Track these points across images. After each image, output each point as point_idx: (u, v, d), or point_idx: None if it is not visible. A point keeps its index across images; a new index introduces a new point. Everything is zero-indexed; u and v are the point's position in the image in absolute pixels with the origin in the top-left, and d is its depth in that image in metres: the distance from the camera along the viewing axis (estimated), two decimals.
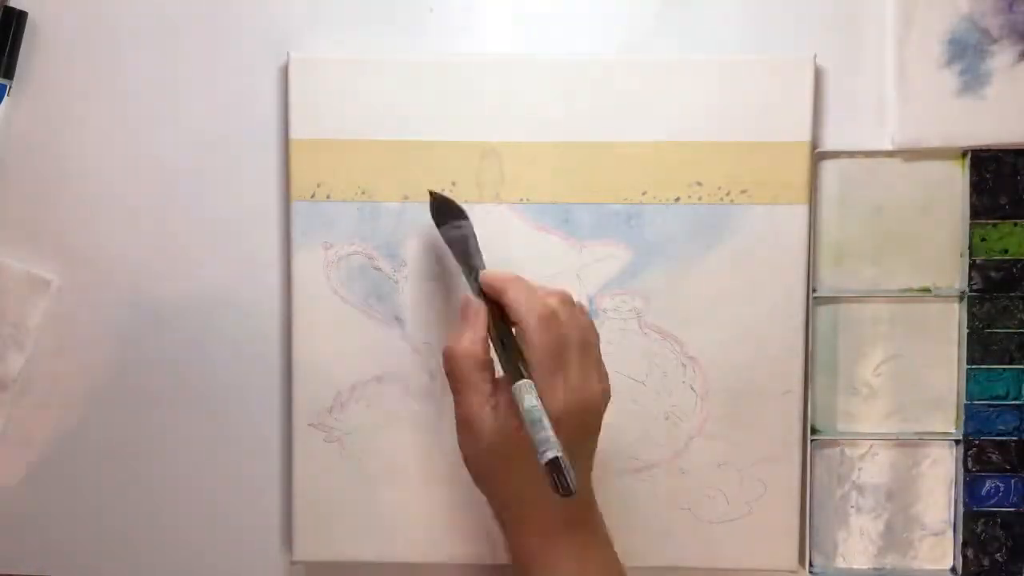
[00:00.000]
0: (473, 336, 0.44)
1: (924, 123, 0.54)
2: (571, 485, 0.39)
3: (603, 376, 0.46)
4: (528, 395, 0.42)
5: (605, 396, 0.46)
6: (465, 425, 0.44)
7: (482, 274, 0.47)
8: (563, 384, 0.43)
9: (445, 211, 0.51)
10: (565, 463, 0.39)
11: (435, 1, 0.54)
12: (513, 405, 0.42)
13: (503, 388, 0.44)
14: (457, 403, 0.44)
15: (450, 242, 0.50)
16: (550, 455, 0.39)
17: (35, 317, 0.55)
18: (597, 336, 0.47)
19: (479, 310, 0.45)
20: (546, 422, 0.40)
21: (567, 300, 0.46)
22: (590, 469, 0.47)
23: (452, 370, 0.44)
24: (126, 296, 0.55)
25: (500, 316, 0.45)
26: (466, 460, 0.45)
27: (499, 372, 0.46)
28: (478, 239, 0.50)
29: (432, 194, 0.51)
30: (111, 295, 0.55)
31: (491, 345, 0.45)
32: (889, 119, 0.54)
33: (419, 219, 0.53)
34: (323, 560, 0.55)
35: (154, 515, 0.56)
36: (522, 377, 0.42)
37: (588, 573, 0.45)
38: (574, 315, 0.46)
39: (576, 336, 0.45)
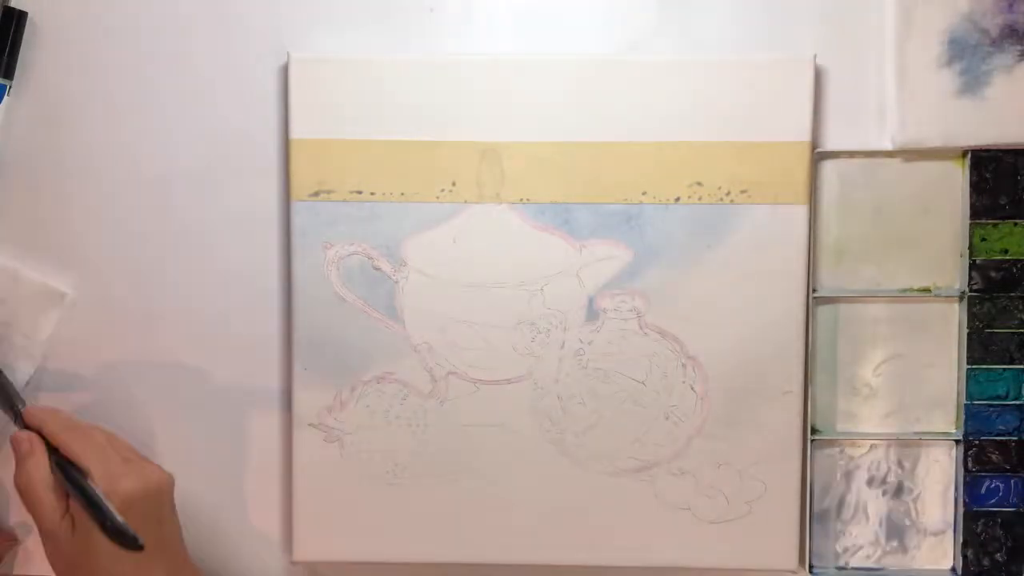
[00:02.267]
0: (35, 462, 0.48)
1: (924, 123, 0.54)
2: (135, 537, 0.44)
3: (155, 466, 0.50)
4: (82, 481, 0.47)
5: (170, 479, 0.50)
6: (48, 539, 0.48)
7: (25, 411, 0.50)
8: (121, 474, 0.47)
9: None
10: (121, 522, 0.45)
11: (435, 1, 0.54)
12: (83, 512, 0.46)
13: (73, 503, 0.47)
14: (38, 524, 0.48)
15: None
16: (111, 522, 0.45)
17: (47, 329, 0.55)
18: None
19: (32, 439, 0.49)
20: (101, 495, 0.46)
21: (86, 424, 0.51)
22: (181, 542, 0.51)
23: (27, 498, 0.48)
24: (125, 296, 0.55)
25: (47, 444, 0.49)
26: (55, 567, 0.49)
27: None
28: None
29: None
30: (110, 295, 0.55)
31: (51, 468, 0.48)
32: (889, 119, 0.54)
33: (419, 219, 0.53)
34: (323, 560, 0.55)
35: None
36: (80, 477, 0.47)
37: None
38: (98, 428, 0.51)
39: (113, 439, 0.50)
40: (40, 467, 0.48)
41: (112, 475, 0.47)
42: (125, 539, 0.44)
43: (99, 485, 0.46)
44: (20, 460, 0.48)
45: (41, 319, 0.55)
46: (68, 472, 0.47)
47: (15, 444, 0.49)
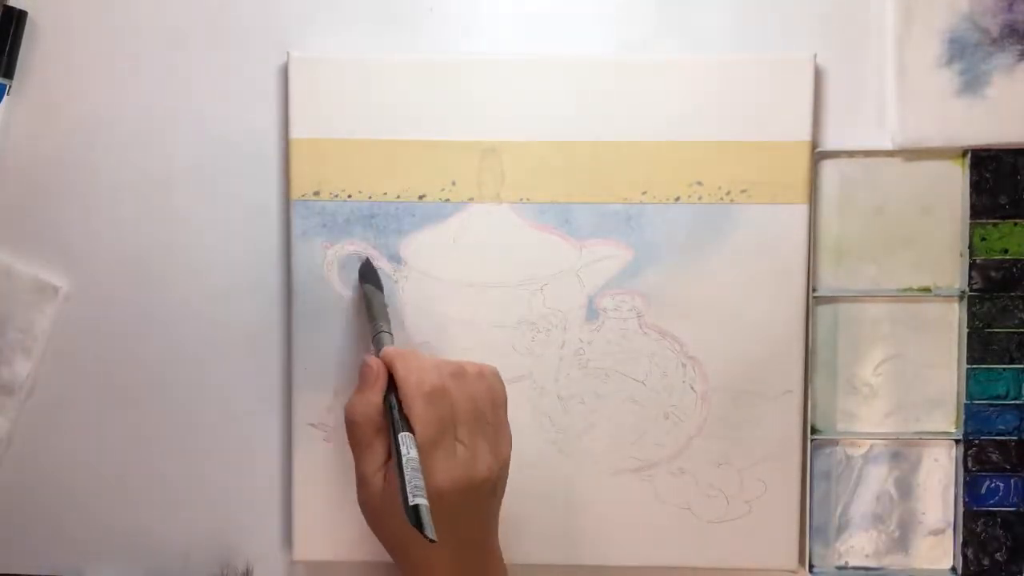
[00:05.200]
0: (371, 399, 0.46)
1: (924, 123, 0.54)
2: (428, 534, 0.41)
3: (498, 444, 0.47)
4: (406, 446, 0.43)
5: (497, 466, 0.46)
6: (361, 482, 0.46)
7: (384, 352, 0.48)
8: (443, 463, 0.44)
9: (372, 276, 0.52)
10: (425, 512, 0.41)
11: (435, 1, 0.54)
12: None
13: (393, 458, 0.45)
14: (356, 462, 0.46)
15: (368, 296, 0.51)
16: (413, 501, 0.41)
17: (43, 323, 0.55)
18: (500, 400, 0.48)
19: (379, 374, 0.46)
20: (419, 471, 0.43)
21: (460, 372, 0.47)
22: (491, 532, 0.48)
23: (352, 432, 0.46)
24: (125, 296, 0.55)
25: (393, 386, 0.46)
26: (362, 508, 0.47)
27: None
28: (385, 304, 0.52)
29: (367, 260, 0.53)
30: (110, 294, 0.55)
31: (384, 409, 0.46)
32: (889, 119, 0.54)
33: (419, 219, 0.53)
34: (323, 560, 0.55)
35: (156, 515, 0.56)
36: (407, 441, 0.44)
37: None
38: (466, 386, 0.46)
39: (466, 409, 0.46)
40: (372, 407, 0.45)
41: (434, 461, 0.44)
42: (418, 527, 0.41)
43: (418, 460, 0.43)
44: (358, 390, 0.46)
45: (35, 314, 0.55)
46: (395, 428, 0.44)
47: (363, 369, 0.46)
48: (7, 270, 0.55)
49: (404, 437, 0.44)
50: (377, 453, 0.46)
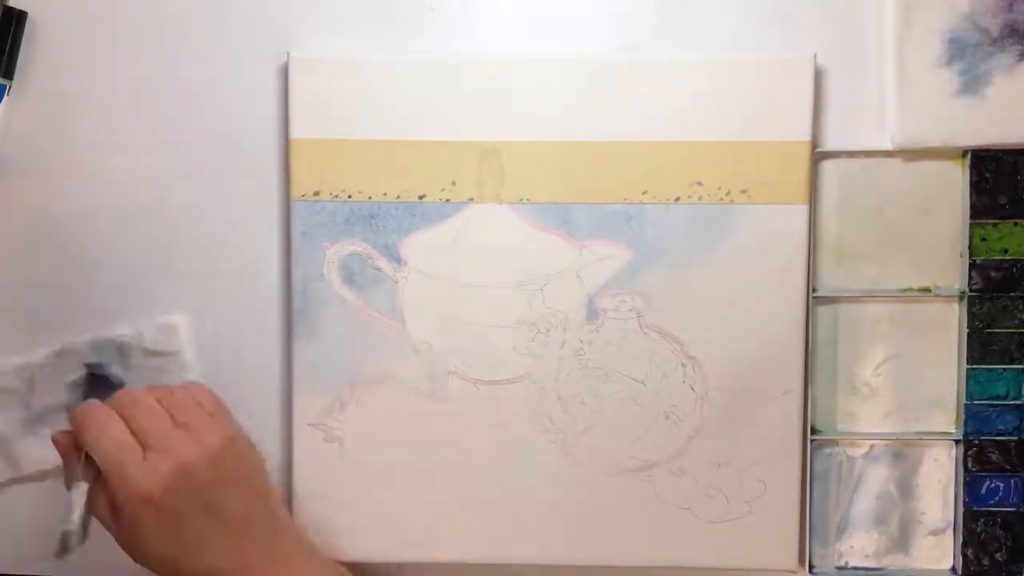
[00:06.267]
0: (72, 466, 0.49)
1: (924, 123, 0.53)
2: (61, 552, 0.46)
3: (202, 437, 0.48)
4: (76, 493, 0.47)
5: (208, 452, 0.47)
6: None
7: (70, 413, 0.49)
8: (136, 470, 0.46)
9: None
10: (69, 537, 0.46)
11: (435, 1, 0.54)
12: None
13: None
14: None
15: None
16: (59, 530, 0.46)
17: None
18: (206, 400, 0.50)
19: (67, 446, 0.49)
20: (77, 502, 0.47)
21: (135, 400, 0.49)
22: (276, 501, 0.50)
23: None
24: (125, 294, 0.55)
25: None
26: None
27: None
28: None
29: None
30: (110, 290, 0.55)
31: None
32: (889, 119, 0.54)
33: (419, 219, 0.53)
34: None
35: None
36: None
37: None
38: (143, 405, 0.48)
39: (148, 420, 0.48)
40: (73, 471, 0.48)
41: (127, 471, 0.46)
42: (58, 550, 0.46)
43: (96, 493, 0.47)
44: (68, 466, 0.49)
45: None
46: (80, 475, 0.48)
47: (54, 444, 0.49)
48: None
49: (78, 487, 0.47)
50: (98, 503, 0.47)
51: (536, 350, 0.54)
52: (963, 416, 0.55)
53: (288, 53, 0.53)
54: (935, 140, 0.54)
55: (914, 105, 0.53)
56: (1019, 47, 0.53)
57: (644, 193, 0.53)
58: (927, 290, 0.55)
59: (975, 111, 0.53)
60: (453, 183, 0.53)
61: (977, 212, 0.54)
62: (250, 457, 0.50)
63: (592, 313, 0.54)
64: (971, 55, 0.53)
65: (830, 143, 0.54)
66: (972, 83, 0.53)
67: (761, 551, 0.54)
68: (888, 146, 0.54)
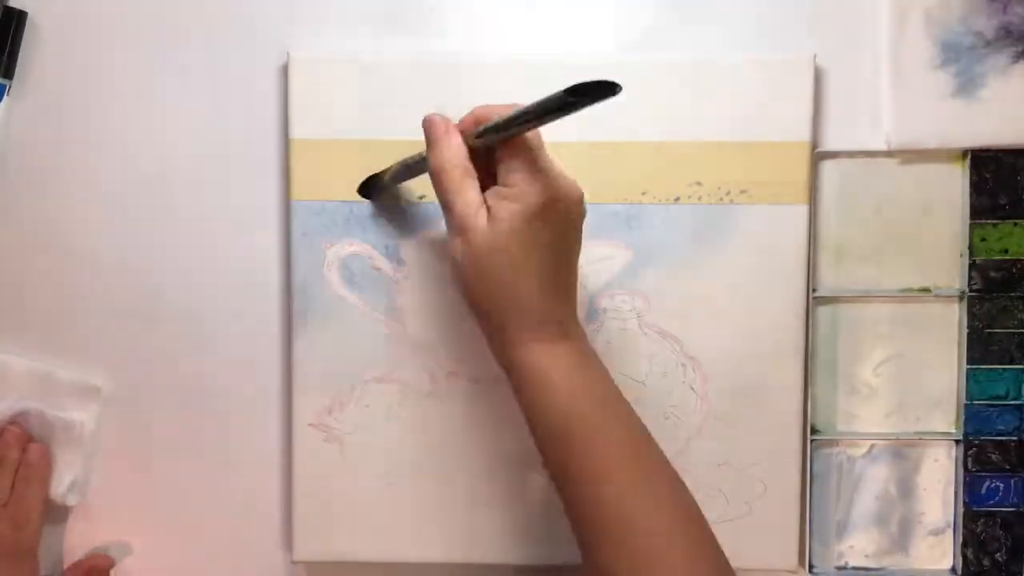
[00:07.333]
0: (452, 142, 0.44)
1: (919, 124, 0.54)
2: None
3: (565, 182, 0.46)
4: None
5: (581, 197, 0.46)
6: (461, 230, 0.44)
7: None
8: (544, 173, 0.44)
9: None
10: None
11: (435, 1, 0.54)
12: (499, 213, 0.43)
13: (490, 197, 0.44)
14: (450, 212, 0.45)
15: (394, 176, 0.51)
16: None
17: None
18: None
19: (447, 124, 0.45)
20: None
21: None
22: (574, 283, 0.47)
23: (441, 182, 0.44)
24: (125, 295, 0.55)
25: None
26: (457, 266, 0.45)
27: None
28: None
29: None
30: (109, 293, 0.55)
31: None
32: (884, 120, 0.54)
33: (419, 219, 0.53)
34: (323, 560, 0.55)
35: (155, 515, 0.56)
36: None
37: (566, 373, 0.45)
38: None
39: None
40: (456, 150, 0.44)
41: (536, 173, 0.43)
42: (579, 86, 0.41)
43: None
44: (433, 144, 0.45)
45: None
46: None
47: (428, 126, 0.45)
48: None
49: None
50: (471, 194, 0.44)
51: None
52: (963, 416, 0.55)
53: (288, 53, 0.53)
54: (930, 141, 0.54)
55: (909, 107, 0.53)
56: (1013, 49, 0.53)
57: (644, 193, 0.53)
58: (927, 290, 0.55)
59: (970, 112, 0.53)
60: None
61: (977, 212, 0.54)
62: None
63: (592, 313, 0.54)
64: (966, 56, 0.53)
65: (830, 143, 0.54)
66: (967, 85, 0.53)
67: (761, 551, 0.54)
68: (885, 147, 0.54)
